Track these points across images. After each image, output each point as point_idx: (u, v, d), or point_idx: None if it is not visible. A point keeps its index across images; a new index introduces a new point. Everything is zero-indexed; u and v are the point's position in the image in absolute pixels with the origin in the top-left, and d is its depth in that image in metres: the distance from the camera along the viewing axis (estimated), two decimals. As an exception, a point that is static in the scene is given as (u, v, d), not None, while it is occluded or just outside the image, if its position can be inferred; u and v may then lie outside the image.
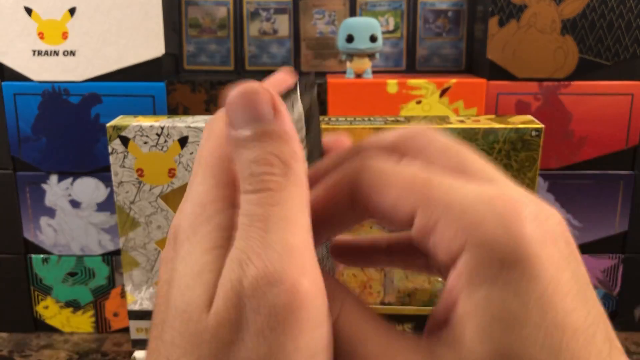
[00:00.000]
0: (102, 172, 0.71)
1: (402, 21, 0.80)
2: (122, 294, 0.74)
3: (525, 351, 0.16)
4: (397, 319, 0.62)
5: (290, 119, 0.19)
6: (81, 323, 0.76)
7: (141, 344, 0.62)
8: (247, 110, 0.19)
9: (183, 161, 0.56)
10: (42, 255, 0.73)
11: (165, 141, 0.56)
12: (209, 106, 0.71)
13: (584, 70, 0.69)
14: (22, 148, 0.70)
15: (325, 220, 0.21)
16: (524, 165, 0.53)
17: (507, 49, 0.69)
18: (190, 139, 0.55)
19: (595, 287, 0.74)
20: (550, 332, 0.16)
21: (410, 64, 0.81)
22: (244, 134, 0.19)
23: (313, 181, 0.21)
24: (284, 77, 0.23)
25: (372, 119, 0.57)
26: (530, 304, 0.17)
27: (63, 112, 0.69)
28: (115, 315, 0.75)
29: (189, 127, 0.55)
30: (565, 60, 0.69)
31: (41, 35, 0.68)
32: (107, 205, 0.72)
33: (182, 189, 0.57)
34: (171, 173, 0.56)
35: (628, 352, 0.70)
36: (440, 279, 0.60)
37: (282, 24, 0.80)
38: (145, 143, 0.56)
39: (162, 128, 0.55)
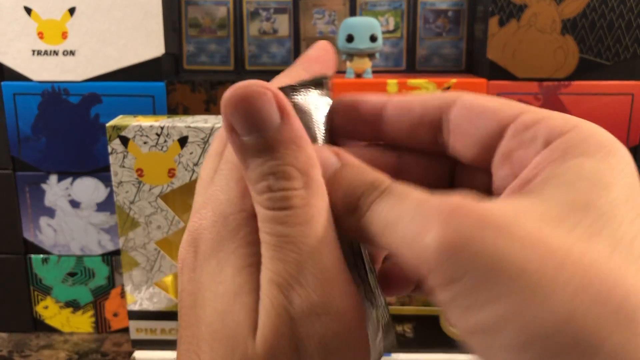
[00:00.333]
0: (101, 172, 0.71)
1: (402, 21, 0.80)
2: (122, 294, 0.74)
3: (609, 210, 0.16)
4: (397, 319, 0.62)
5: (298, 119, 0.18)
6: (81, 323, 0.76)
7: (141, 344, 0.62)
8: (251, 115, 0.17)
9: (183, 161, 0.56)
10: (41, 256, 0.73)
11: (165, 141, 0.55)
12: (209, 106, 0.71)
13: (584, 70, 0.69)
14: (22, 148, 0.70)
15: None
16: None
17: (507, 49, 0.69)
18: (190, 139, 0.55)
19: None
20: (633, 204, 0.16)
21: (411, 63, 0.81)
22: (251, 142, 0.17)
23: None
24: (318, 56, 0.22)
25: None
26: (622, 181, 0.16)
27: (63, 112, 0.69)
28: (115, 315, 0.75)
29: (189, 127, 0.55)
30: (566, 60, 0.69)
31: (41, 35, 0.68)
32: (107, 205, 0.72)
33: (182, 189, 0.57)
34: (171, 173, 0.56)
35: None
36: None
37: (282, 23, 0.80)
38: (145, 143, 0.56)
39: (162, 128, 0.55)
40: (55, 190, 0.72)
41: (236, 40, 0.80)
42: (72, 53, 0.68)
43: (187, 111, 0.71)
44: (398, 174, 0.22)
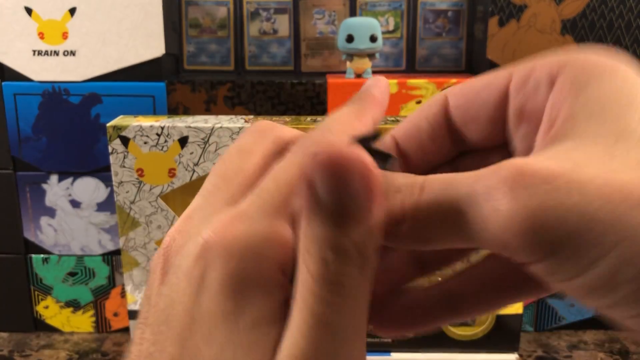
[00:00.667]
0: (102, 172, 0.71)
1: (402, 21, 0.80)
2: (123, 294, 0.74)
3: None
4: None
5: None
6: (81, 323, 0.76)
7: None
8: (334, 184, 0.15)
9: (183, 161, 0.56)
10: (42, 255, 0.74)
11: (166, 141, 0.56)
12: (209, 106, 0.71)
13: (584, 70, 0.69)
14: (23, 148, 0.70)
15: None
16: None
17: (507, 49, 0.69)
18: (190, 139, 0.55)
19: (595, 287, 0.74)
20: None
21: (410, 64, 0.81)
22: (327, 203, 0.16)
23: None
24: (381, 98, 0.22)
25: (372, 119, 0.57)
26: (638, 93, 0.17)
27: (63, 112, 0.69)
28: (116, 315, 0.75)
29: (189, 127, 0.55)
30: (565, 60, 0.69)
31: (41, 35, 0.68)
32: (107, 205, 0.72)
33: (183, 188, 0.57)
34: (171, 173, 0.57)
35: (628, 352, 0.70)
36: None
37: (282, 23, 0.80)
38: (145, 143, 0.56)
39: (162, 128, 0.55)
40: (55, 190, 0.72)
41: (236, 40, 0.81)
42: (72, 53, 0.69)
43: (187, 111, 0.71)
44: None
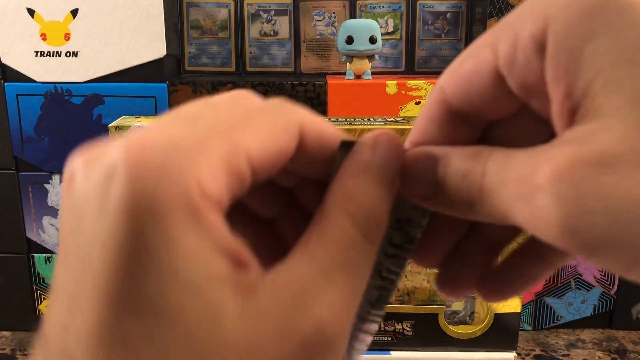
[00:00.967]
0: (104, 172, 0.71)
1: (401, 23, 0.80)
2: (124, 293, 0.74)
3: None
4: (396, 317, 0.62)
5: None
6: (83, 322, 0.76)
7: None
8: (393, 155, 0.19)
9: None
10: (44, 255, 0.74)
11: (167, 141, 0.56)
12: (210, 107, 0.71)
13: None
14: (25, 148, 0.71)
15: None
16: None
17: (505, 51, 0.70)
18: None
19: (593, 287, 0.74)
20: None
21: (410, 65, 0.82)
22: (383, 172, 0.18)
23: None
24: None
25: (371, 119, 0.57)
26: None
27: (65, 113, 0.70)
28: (117, 314, 0.76)
29: (191, 127, 0.56)
30: (563, 61, 0.69)
31: (44, 37, 0.69)
32: (109, 205, 0.72)
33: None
34: (173, 173, 0.57)
35: (626, 351, 0.71)
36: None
37: (283, 25, 0.81)
38: (147, 143, 0.56)
39: (164, 128, 0.56)
40: (58, 189, 0.72)
41: (237, 41, 0.81)
42: (74, 54, 0.69)
43: (188, 112, 0.71)
44: None
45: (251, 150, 0.16)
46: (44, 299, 0.76)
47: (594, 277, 0.74)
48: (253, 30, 0.81)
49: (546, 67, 0.16)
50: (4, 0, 0.67)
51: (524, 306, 0.75)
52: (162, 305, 0.14)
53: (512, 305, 0.61)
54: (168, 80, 0.70)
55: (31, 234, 0.74)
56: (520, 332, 0.65)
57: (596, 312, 0.75)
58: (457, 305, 0.62)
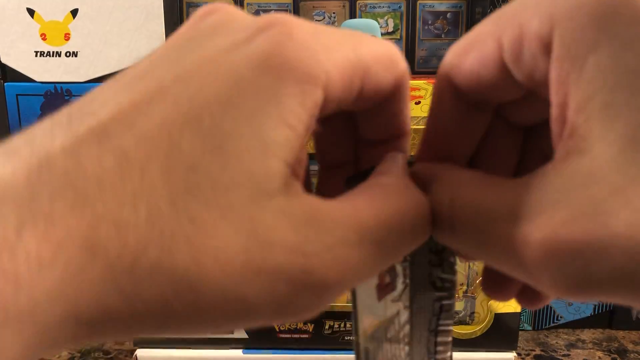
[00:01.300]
0: (104, 172, 0.71)
1: (401, 23, 0.80)
2: (124, 293, 0.74)
3: None
4: (396, 317, 0.62)
5: None
6: (83, 322, 0.76)
7: (143, 342, 0.63)
8: None
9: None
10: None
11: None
12: (210, 107, 0.71)
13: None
14: (25, 148, 0.71)
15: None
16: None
17: (505, 50, 0.69)
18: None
19: (593, 286, 0.74)
20: None
21: (410, 65, 0.81)
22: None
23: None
24: None
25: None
26: None
27: (65, 113, 0.70)
28: (117, 314, 0.76)
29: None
30: (563, 61, 0.69)
31: (43, 37, 0.69)
32: (109, 205, 0.72)
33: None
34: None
35: (626, 351, 0.71)
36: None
37: (283, 25, 0.80)
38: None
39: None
40: (57, 190, 0.72)
41: (237, 41, 0.81)
42: (74, 54, 0.69)
43: (188, 112, 0.71)
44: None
45: (368, 71, 0.18)
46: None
47: (594, 277, 0.74)
48: (253, 30, 0.81)
49: (550, 68, 0.16)
50: (4, 0, 0.67)
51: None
52: (231, 134, 0.15)
53: (512, 305, 0.61)
54: (168, 80, 0.70)
55: (31, 234, 0.73)
56: (520, 332, 0.65)
57: (596, 312, 0.75)
58: (457, 305, 0.62)
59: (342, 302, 0.63)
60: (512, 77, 0.18)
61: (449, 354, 0.22)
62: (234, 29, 0.17)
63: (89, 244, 0.14)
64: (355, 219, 0.17)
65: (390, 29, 0.81)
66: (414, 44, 0.81)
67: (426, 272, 0.21)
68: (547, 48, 0.16)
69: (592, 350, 0.71)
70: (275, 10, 0.80)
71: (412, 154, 0.22)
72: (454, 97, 0.20)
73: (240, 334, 0.63)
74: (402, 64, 0.21)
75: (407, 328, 0.21)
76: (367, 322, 0.20)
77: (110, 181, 0.15)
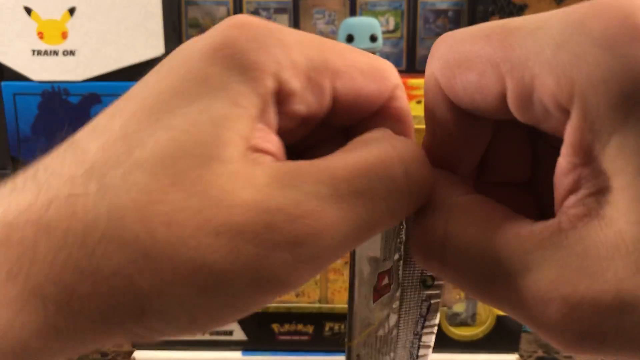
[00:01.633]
0: (101, 172, 0.71)
1: (402, 21, 0.80)
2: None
3: None
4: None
5: None
6: (81, 323, 0.76)
7: (141, 343, 0.62)
8: None
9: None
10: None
11: (165, 141, 0.56)
12: (209, 106, 0.71)
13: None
14: (22, 148, 0.70)
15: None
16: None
17: (507, 49, 0.69)
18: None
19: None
20: None
21: (411, 63, 0.81)
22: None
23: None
24: None
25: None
26: None
27: (63, 112, 0.69)
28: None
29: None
30: (566, 60, 0.69)
31: (41, 35, 0.68)
32: (107, 205, 0.72)
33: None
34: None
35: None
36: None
37: (282, 23, 0.80)
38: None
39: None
40: (55, 190, 0.72)
41: (236, 40, 0.80)
42: (72, 53, 0.68)
43: (187, 111, 0.71)
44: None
45: (339, 74, 0.18)
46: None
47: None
48: (252, 29, 0.80)
49: (568, 131, 0.15)
50: (1, -2, 0.67)
51: (526, 307, 0.74)
52: (184, 113, 0.16)
53: (514, 306, 0.61)
54: (166, 79, 0.70)
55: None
56: (522, 334, 0.65)
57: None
58: (459, 306, 0.62)
59: (342, 303, 0.62)
60: (512, 113, 0.17)
61: (429, 358, 0.22)
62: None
63: (42, 222, 0.14)
64: (327, 171, 0.16)
65: (391, 28, 0.80)
66: (415, 42, 0.80)
67: (418, 270, 0.20)
68: (562, 108, 0.15)
69: (594, 352, 0.70)
70: (274, 8, 0.79)
71: None
72: (448, 105, 0.19)
73: (240, 335, 0.63)
74: (393, 77, 0.19)
75: (394, 332, 0.21)
76: (361, 326, 0.20)
77: (59, 161, 0.16)
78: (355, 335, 0.20)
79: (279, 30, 0.17)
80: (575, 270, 0.15)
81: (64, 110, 0.69)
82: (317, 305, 0.64)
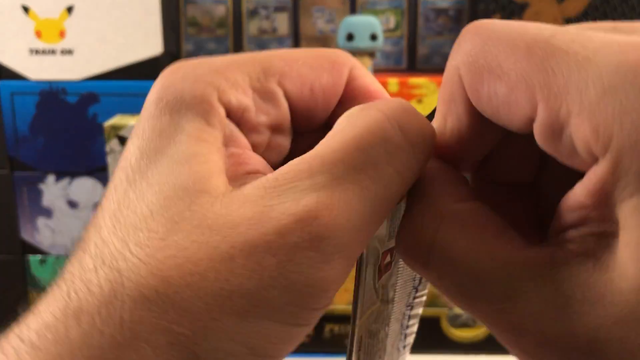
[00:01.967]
0: (99, 172, 0.70)
1: (402, 19, 0.79)
2: (121, 295, 0.74)
3: None
4: (397, 320, 0.61)
5: None
6: (79, 324, 0.76)
7: None
8: None
9: (181, 161, 0.56)
10: (39, 256, 0.73)
11: (163, 141, 0.55)
12: (208, 105, 0.71)
13: (586, 69, 0.68)
14: (20, 148, 0.70)
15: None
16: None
17: (508, 48, 0.69)
18: (188, 139, 0.55)
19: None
20: None
21: (411, 62, 0.81)
22: None
23: None
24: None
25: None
26: None
27: (61, 112, 0.69)
28: (114, 316, 0.75)
29: (187, 126, 0.55)
30: (568, 59, 0.68)
31: (38, 34, 0.68)
32: (105, 205, 0.71)
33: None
34: (169, 173, 0.56)
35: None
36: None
37: (282, 22, 0.80)
38: (143, 143, 0.55)
39: (160, 128, 0.55)
40: (53, 190, 0.71)
41: (235, 39, 0.80)
42: (70, 52, 0.68)
43: (185, 110, 0.71)
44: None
45: (284, 75, 0.18)
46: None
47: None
48: (251, 27, 0.80)
49: (589, 176, 0.14)
50: (-2, -4, 0.67)
51: (527, 308, 0.74)
52: (157, 169, 0.16)
53: (516, 308, 0.60)
54: (165, 78, 0.69)
55: (25, 235, 0.73)
56: (523, 335, 0.64)
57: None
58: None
59: (342, 304, 0.62)
60: (533, 135, 0.16)
61: (416, 327, 0.22)
62: None
63: (69, 310, 0.15)
64: (317, 159, 0.15)
65: (392, 26, 0.80)
66: (415, 41, 0.80)
67: None
68: (592, 154, 0.14)
69: (596, 353, 0.70)
70: (274, 6, 0.79)
71: None
72: (466, 105, 0.18)
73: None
74: (344, 61, 0.19)
75: (390, 307, 0.20)
76: (365, 306, 0.19)
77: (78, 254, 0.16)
78: (357, 316, 0.19)
79: (209, 60, 0.18)
80: (558, 308, 0.14)
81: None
82: (317, 306, 0.63)
